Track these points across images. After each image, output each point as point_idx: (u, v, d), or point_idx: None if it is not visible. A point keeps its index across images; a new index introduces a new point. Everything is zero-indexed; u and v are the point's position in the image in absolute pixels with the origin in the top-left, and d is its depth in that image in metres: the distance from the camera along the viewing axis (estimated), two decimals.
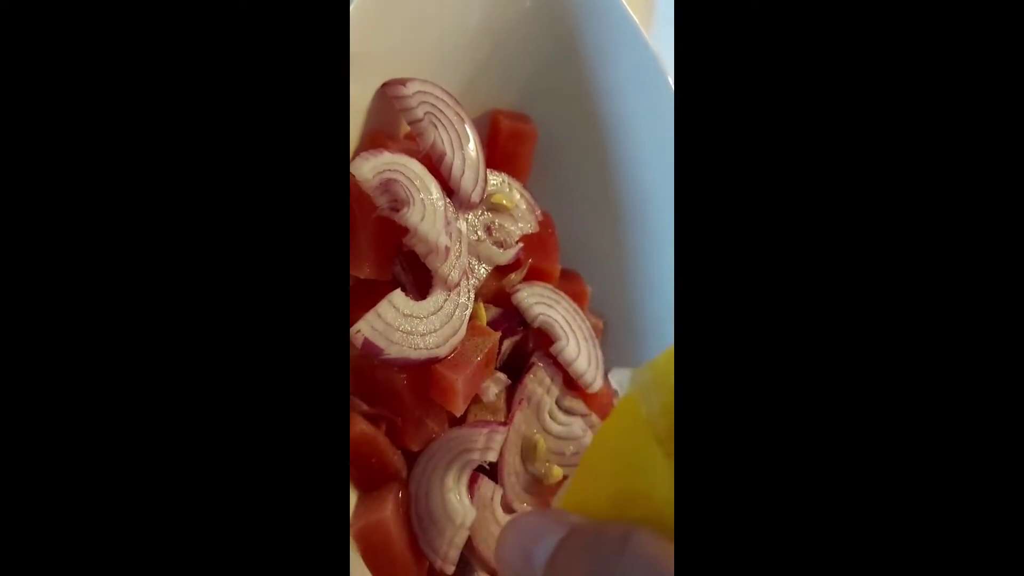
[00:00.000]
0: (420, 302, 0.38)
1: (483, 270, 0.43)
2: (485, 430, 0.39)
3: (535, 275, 0.46)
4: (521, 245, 0.44)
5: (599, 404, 0.45)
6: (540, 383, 0.43)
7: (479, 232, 0.43)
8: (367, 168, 0.36)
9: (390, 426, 0.39)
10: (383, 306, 0.37)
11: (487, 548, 0.39)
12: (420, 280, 0.40)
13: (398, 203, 0.37)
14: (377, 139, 0.39)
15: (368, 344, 0.36)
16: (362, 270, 0.38)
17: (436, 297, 0.39)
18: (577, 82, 0.46)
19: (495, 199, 0.43)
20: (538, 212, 0.46)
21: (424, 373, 0.39)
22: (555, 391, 0.44)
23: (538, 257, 0.46)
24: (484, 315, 0.43)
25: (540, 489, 0.43)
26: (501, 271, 0.44)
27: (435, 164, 0.40)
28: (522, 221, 0.45)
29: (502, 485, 0.41)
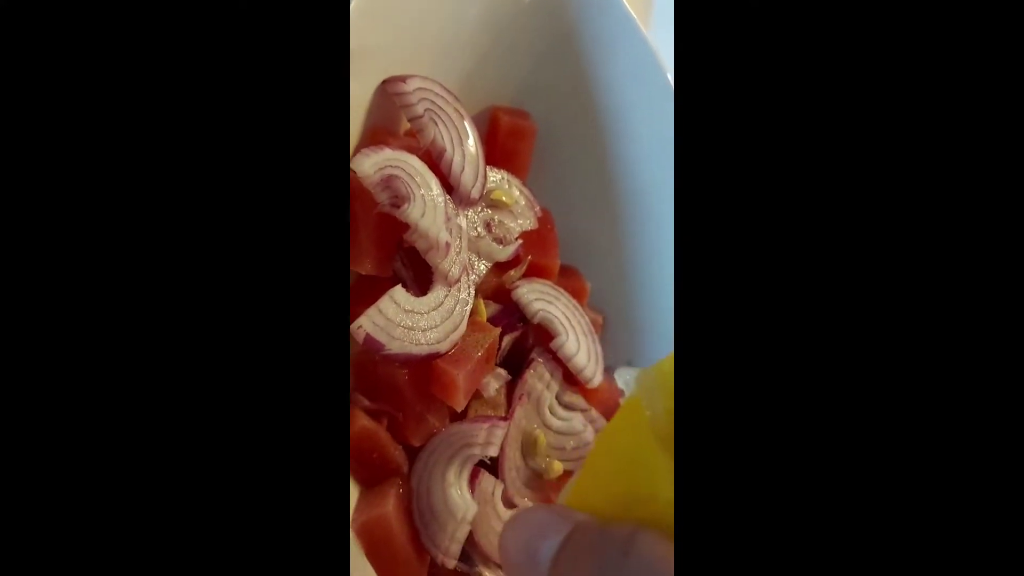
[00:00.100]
0: (421, 298, 0.38)
1: (483, 266, 0.43)
2: (486, 425, 0.39)
3: (534, 271, 0.46)
4: (520, 241, 0.44)
5: (599, 399, 0.46)
6: (540, 378, 0.44)
7: (479, 228, 0.43)
8: (368, 164, 0.36)
9: (391, 421, 0.39)
10: (384, 302, 0.37)
11: (488, 543, 0.40)
12: (420, 276, 0.40)
13: (399, 199, 0.37)
14: (378, 135, 0.40)
15: (370, 340, 0.36)
16: (363, 266, 0.38)
17: (437, 293, 0.39)
18: (576, 78, 0.46)
19: (495, 195, 0.43)
20: (537, 208, 0.46)
21: (425, 369, 0.39)
22: (555, 386, 0.44)
23: (537, 253, 0.46)
24: (484, 311, 0.43)
25: (541, 484, 0.43)
26: (501, 267, 0.44)
27: (435, 160, 0.40)
28: (521, 217, 0.45)
29: (503, 480, 0.41)
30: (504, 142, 0.46)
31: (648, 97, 0.45)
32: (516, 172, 0.46)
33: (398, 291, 0.37)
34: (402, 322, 0.37)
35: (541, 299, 0.44)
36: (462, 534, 0.38)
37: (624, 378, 0.23)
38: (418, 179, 0.38)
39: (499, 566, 0.41)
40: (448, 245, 0.39)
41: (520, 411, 0.42)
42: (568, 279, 0.48)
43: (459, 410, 0.39)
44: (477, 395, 0.41)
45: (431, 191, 0.38)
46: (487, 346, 0.40)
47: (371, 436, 0.38)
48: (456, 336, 0.39)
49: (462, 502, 0.38)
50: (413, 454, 0.40)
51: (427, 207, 0.38)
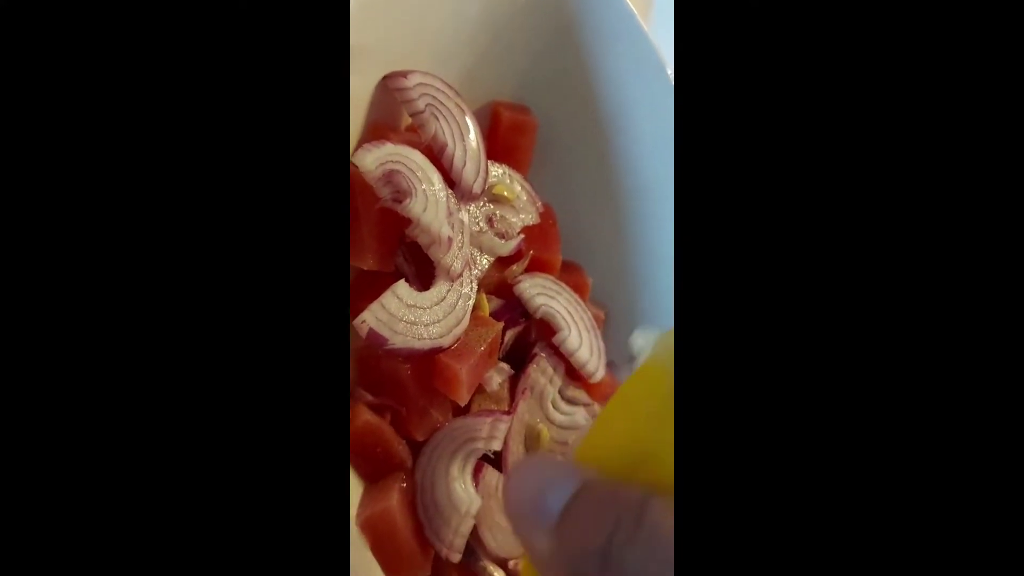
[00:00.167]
0: (424, 292, 0.38)
1: (485, 261, 0.43)
2: (489, 419, 0.39)
3: (536, 266, 0.46)
4: (522, 236, 0.44)
5: (601, 394, 0.46)
6: (543, 373, 0.44)
7: (481, 223, 0.43)
8: (370, 159, 0.37)
9: (395, 416, 0.39)
10: (387, 297, 0.37)
11: (492, 537, 0.40)
12: (423, 271, 0.40)
13: (400, 194, 0.37)
14: (379, 131, 0.40)
15: (373, 334, 0.36)
16: (365, 261, 0.38)
17: (439, 288, 0.39)
18: (577, 73, 0.46)
19: (496, 190, 0.43)
20: (539, 203, 0.46)
21: (428, 363, 0.39)
22: (558, 381, 0.44)
23: (539, 248, 0.46)
24: (487, 306, 0.43)
25: None
26: (503, 262, 0.45)
27: (437, 155, 0.40)
28: (523, 212, 0.45)
29: (506, 474, 0.41)
30: (505, 137, 0.46)
31: (649, 92, 0.45)
32: (517, 167, 0.46)
33: (401, 286, 0.38)
34: (405, 317, 0.37)
35: (543, 294, 0.44)
36: (466, 528, 0.38)
37: (643, 339, 0.23)
38: (420, 174, 0.38)
39: (503, 561, 0.41)
40: (450, 240, 0.39)
41: (523, 405, 0.42)
42: (570, 274, 0.48)
43: (462, 404, 0.39)
44: (480, 390, 0.42)
45: (433, 186, 0.38)
46: (490, 340, 0.40)
47: (374, 431, 0.38)
48: (459, 331, 0.39)
49: (466, 496, 0.38)
50: (416, 448, 0.40)
51: (429, 202, 0.38)
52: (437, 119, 0.40)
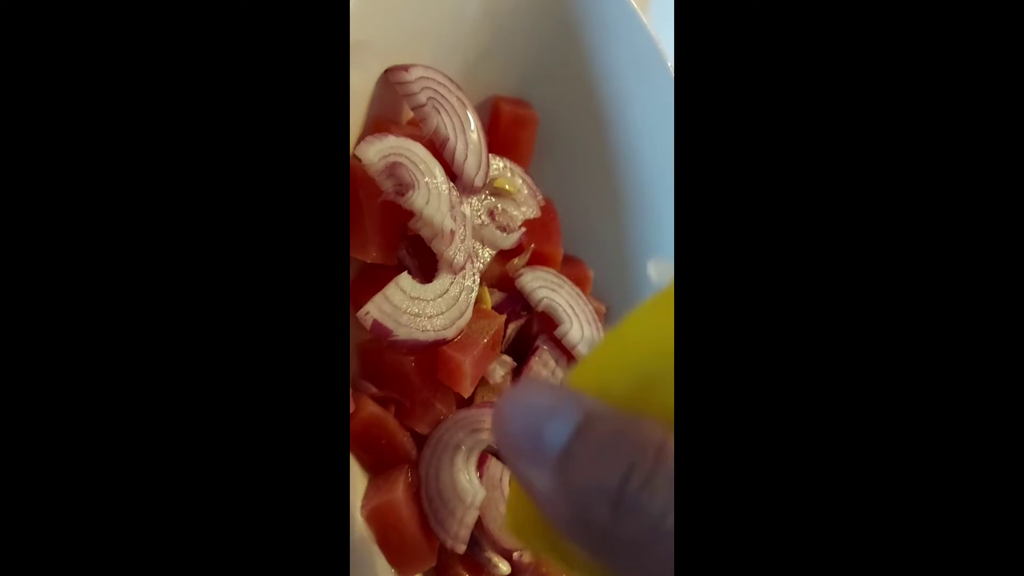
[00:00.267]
0: (427, 285, 0.39)
1: (487, 254, 0.43)
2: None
3: (538, 260, 0.46)
4: (524, 229, 0.44)
5: None
6: (545, 365, 0.44)
7: (482, 216, 0.43)
8: (372, 152, 0.37)
9: (399, 408, 0.39)
10: (391, 289, 0.37)
11: (497, 528, 0.40)
12: (425, 264, 0.41)
13: (403, 187, 0.38)
14: (381, 125, 0.40)
15: (377, 326, 0.36)
16: (368, 254, 0.38)
17: (442, 280, 0.39)
18: (577, 67, 0.46)
19: (497, 183, 0.44)
20: (540, 197, 0.46)
21: (432, 356, 0.39)
22: (560, 373, 0.45)
23: (540, 242, 0.46)
24: (489, 299, 0.43)
25: None
26: (504, 256, 0.45)
27: (438, 149, 0.40)
28: (524, 206, 0.45)
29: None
30: (506, 131, 0.46)
31: (649, 86, 0.46)
32: (518, 161, 0.46)
33: (404, 278, 0.38)
34: (408, 309, 0.37)
35: (545, 287, 0.45)
36: (471, 519, 0.38)
37: (659, 268, 0.22)
38: (422, 167, 0.38)
39: (507, 552, 0.41)
40: (453, 233, 0.39)
41: None
42: (571, 268, 0.48)
43: (466, 396, 0.40)
44: (483, 382, 0.42)
45: (435, 179, 0.39)
46: (492, 333, 0.40)
47: (379, 423, 0.38)
48: (462, 323, 0.39)
49: (471, 487, 0.38)
50: (421, 440, 0.40)
51: (431, 195, 0.38)
52: (439, 112, 0.40)
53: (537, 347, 0.44)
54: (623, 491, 0.18)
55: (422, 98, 0.40)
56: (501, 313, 0.42)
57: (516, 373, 0.43)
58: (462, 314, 0.39)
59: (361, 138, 0.38)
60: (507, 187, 0.44)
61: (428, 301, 0.38)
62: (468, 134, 0.41)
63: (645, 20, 0.45)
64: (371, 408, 0.38)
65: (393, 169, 0.37)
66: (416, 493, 0.39)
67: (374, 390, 0.39)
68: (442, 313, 0.39)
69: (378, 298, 0.37)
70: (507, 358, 0.43)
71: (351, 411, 0.38)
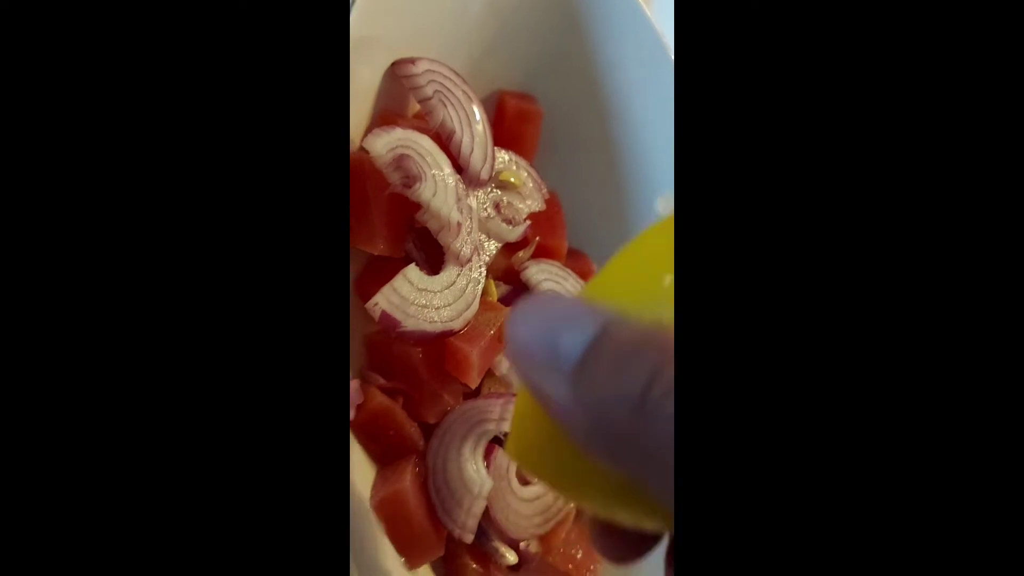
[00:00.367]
0: (434, 276, 0.39)
1: (493, 247, 0.43)
2: (500, 401, 0.40)
3: (543, 253, 0.47)
4: (529, 222, 0.45)
5: None
6: None
7: (488, 209, 0.43)
8: (380, 144, 0.37)
9: (407, 399, 0.40)
10: (399, 280, 0.37)
11: (504, 518, 0.40)
12: (432, 257, 0.41)
13: (410, 179, 0.38)
14: (388, 118, 0.40)
15: (386, 317, 0.36)
16: (375, 247, 0.38)
17: (449, 272, 0.39)
18: (581, 61, 0.47)
19: (503, 176, 0.44)
20: (545, 190, 0.47)
21: (439, 347, 0.39)
22: None
23: (545, 235, 0.47)
24: (495, 291, 0.43)
25: None
26: (510, 248, 0.45)
27: (444, 142, 0.40)
28: (530, 199, 0.45)
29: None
30: (511, 125, 0.46)
31: (653, 80, 0.46)
32: (523, 155, 0.46)
33: (412, 270, 0.38)
34: (416, 300, 0.37)
35: (550, 279, 0.45)
36: (478, 509, 0.39)
37: (664, 205, 0.22)
38: (429, 159, 0.38)
39: (514, 542, 0.41)
40: (459, 225, 0.39)
41: None
42: (575, 261, 0.49)
43: (473, 387, 0.40)
44: (489, 373, 0.42)
45: (442, 171, 0.39)
46: (499, 325, 0.41)
47: (387, 413, 0.38)
48: (469, 314, 0.40)
49: (478, 477, 0.39)
50: (428, 431, 0.40)
51: (438, 187, 0.38)
52: (445, 106, 0.40)
53: None
54: (646, 397, 0.18)
55: (428, 91, 0.40)
56: (507, 305, 0.43)
57: None
58: (469, 306, 0.40)
59: (368, 131, 0.39)
60: (512, 180, 0.44)
61: (435, 293, 0.38)
62: (474, 127, 0.41)
63: (649, 14, 0.45)
64: (379, 399, 0.38)
65: (400, 161, 0.38)
66: (424, 483, 0.39)
67: (382, 381, 0.39)
68: (449, 305, 0.39)
69: (386, 289, 0.37)
70: None
71: (360, 402, 0.38)
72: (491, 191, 0.44)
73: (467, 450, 0.39)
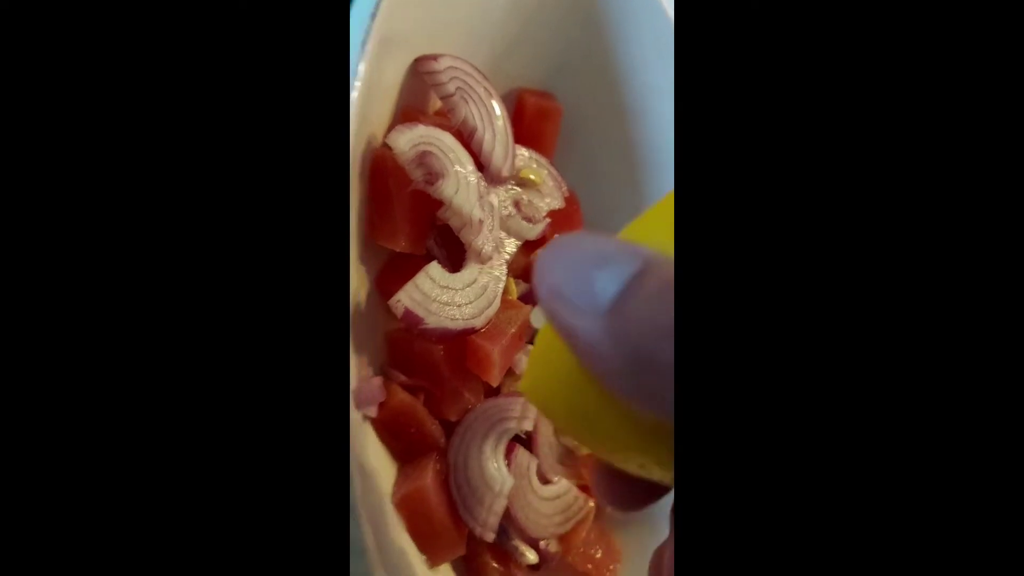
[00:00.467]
0: (456, 274, 0.39)
1: (513, 244, 0.43)
2: (521, 399, 0.40)
3: None
4: (549, 220, 0.45)
5: None
6: None
7: (509, 207, 0.43)
8: (403, 141, 0.37)
9: (428, 397, 0.39)
10: (421, 277, 0.37)
11: (525, 516, 0.40)
12: (454, 254, 0.41)
13: (433, 176, 0.38)
14: (410, 115, 0.40)
15: (408, 314, 0.36)
16: (398, 243, 0.38)
17: (471, 270, 0.39)
18: (601, 59, 0.47)
19: (523, 174, 0.44)
20: (564, 188, 0.47)
21: (460, 345, 0.39)
22: None
23: (564, 233, 0.46)
24: (515, 289, 0.43)
25: (573, 460, 0.43)
26: (529, 247, 0.45)
27: (466, 139, 0.40)
28: (549, 196, 0.45)
29: (537, 456, 0.41)
30: (530, 123, 0.46)
31: (672, 78, 0.46)
32: (542, 153, 0.46)
33: (434, 267, 0.38)
34: (438, 297, 0.37)
35: None
36: (500, 507, 0.39)
37: None
38: (451, 156, 0.38)
39: (535, 541, 0.41)
40: (481, 222, 0.39)
41: None
42: None
43: (494, 385, 0.40)
44: (509, 372, 0.42)
45: (464, 168, 0.39)
46: (519, 323, 0.41)
47: (409, 411, 0.38)
48: (490, 312, 0.39)
49: (499, 475, 0.39)
50: (449, 429, 0.40)
51: (460, 184, 0.38)
52: (467, 103, 0.40)
53: None
54: None
55: (450, 88, 0.40)
56: (527, 304, 0.43)
57: None
58: (490, 303, 0.40)
59: (391, 127, 0.39)
60: (532, 177, 0.44)
61: (457, 290, 0.38)
62: (495, 124, 0.41)
63: (669, 13, 0.45)
64: (401, 396, 0.38)
65: (423, 158, 0.37)
66: (445, 480, 0.39)
67: (404, 378, 0.39)
68: (471, 302, 0.39)
69: (409, 287, 0.37)
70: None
71: (382, 400, 0.38)
72: (511, 188, 0.44)
73: (488, 448, 0.39)
